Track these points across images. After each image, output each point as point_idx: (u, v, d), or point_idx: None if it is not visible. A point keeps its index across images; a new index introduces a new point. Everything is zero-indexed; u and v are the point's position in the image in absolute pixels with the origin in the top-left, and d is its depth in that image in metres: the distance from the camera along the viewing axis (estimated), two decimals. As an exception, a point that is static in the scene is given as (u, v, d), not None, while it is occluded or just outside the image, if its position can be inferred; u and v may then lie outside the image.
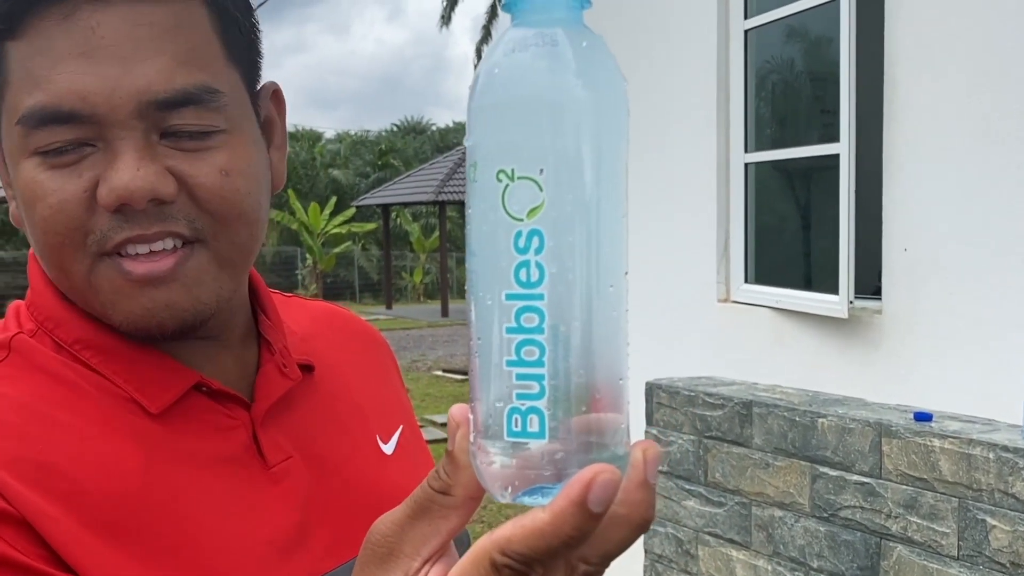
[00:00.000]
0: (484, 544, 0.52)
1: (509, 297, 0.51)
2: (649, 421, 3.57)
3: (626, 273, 0.53)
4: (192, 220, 0.83)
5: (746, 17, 4.45)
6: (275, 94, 0.96)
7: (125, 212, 0.81)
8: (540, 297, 0.50)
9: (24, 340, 0.89)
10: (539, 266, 0.50)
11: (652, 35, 5.02)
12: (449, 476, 0.55)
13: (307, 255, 28.01)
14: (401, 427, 1.08)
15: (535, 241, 0.50)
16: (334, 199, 28.60)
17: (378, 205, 26.82)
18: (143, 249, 0.82)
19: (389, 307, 25.84)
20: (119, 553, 0.80)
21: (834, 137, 3.86)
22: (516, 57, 0.52)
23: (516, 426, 0.51)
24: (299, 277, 28.66)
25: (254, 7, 0.92)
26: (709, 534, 3.34)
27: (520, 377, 0.51)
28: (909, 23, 3.53)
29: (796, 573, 3.01)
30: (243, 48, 0.89)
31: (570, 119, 0.51)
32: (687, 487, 3.41)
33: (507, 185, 0.51)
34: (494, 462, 0.52)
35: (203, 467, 0.87)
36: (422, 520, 0.56)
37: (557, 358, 0.51)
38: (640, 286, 5.00)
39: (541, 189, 0.50)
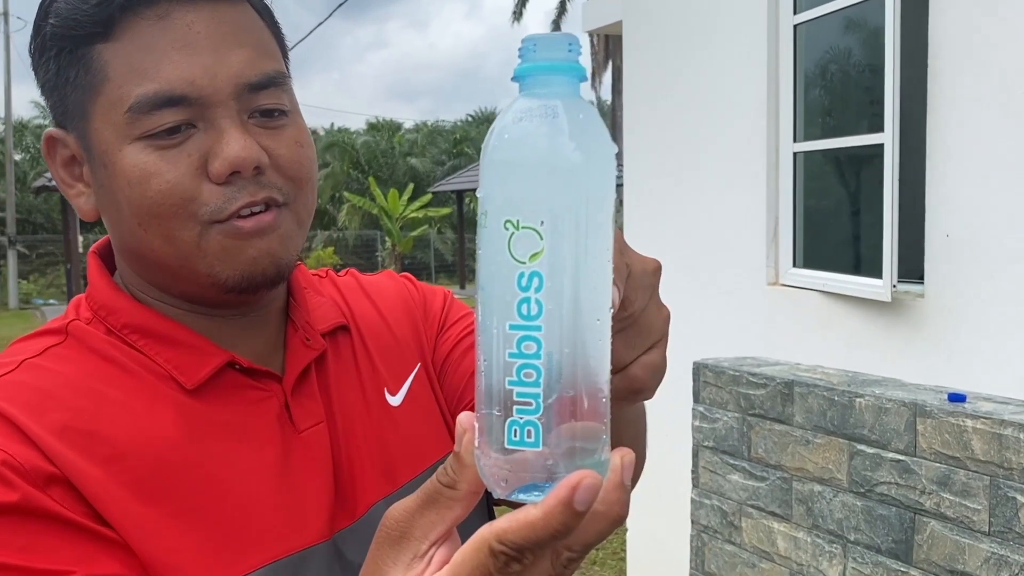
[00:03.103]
0: (484, 533, 0.57)
1: (512, 327, 0.56)
2: (696, 399, 3.57)
3: (611, 308, 0.59)
4: (279, 187, 0.92)
5: (795, 12, 4.39)
6: None
7: (233, 182, 0.89)
8: (538, 328, 0.56)
9: (79, 326, 0.96)
10: (538, 302, 0.56)
11: (705, 31, 4.97)
12: (455, 473, 0.60)
13: (387, 238, 28.21)
14: (417, 367, 1.12)
15: (535, 281, 0.56)
16: (412, 185, 28.75)
17: (453, 191, 26.96)
18: (247, 212, 0.90)
19: (463, 287, 25.97)
20: (153, 510, 0.86)
21: (879, 127, 3.80)
22: (523, 125, 0.58)
23: (515, 436, 0.57)
24: (379, 259, 28.91)
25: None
26: (752, 507, 3.33)
27: (520, 395, 0.56)
28: (952, 13, 3.45)
29: (834, 545, 2.99)
30: (283, 43, 0.99)
31: (567, 180, 0.57)
32: (731, 462, 3.40)
33: (512, 233, 0.56)
34: (496, 465, 0.58)
35: (234, 435, 0.93)
36: (430, 509, 0.61)
37: (551, 380, 0.56)
38: (693, 270, 4.99)
39: (542, 238, 0.56)
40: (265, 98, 0.91)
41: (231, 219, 0.89)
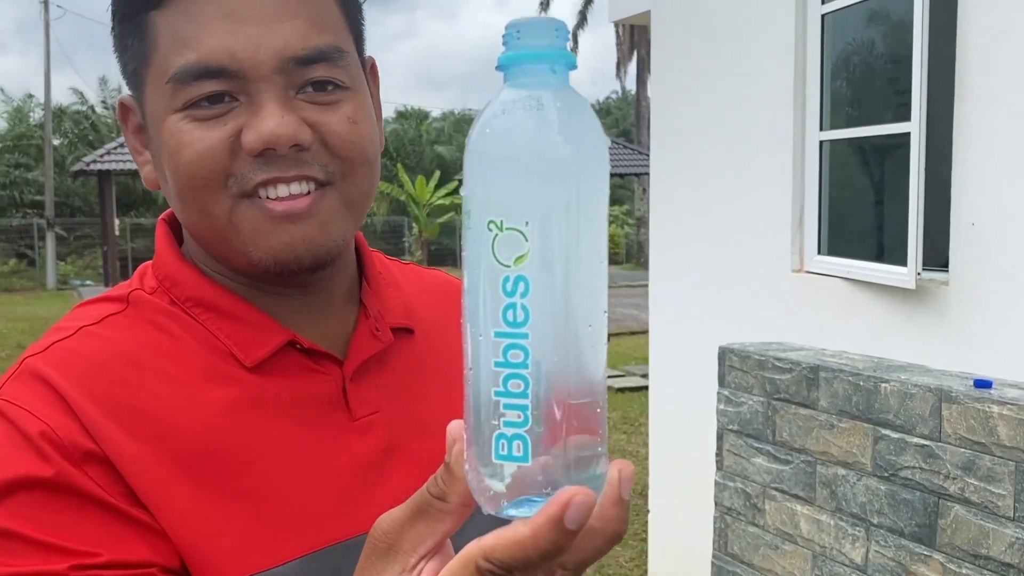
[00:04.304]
0: (471, 550, 0.53)
1: (497, 335, 0.52)
2: (721, 383, 3.54)
3: (605, 312, 0.54)
4: (325, 165, 0.86)
5: (823, 2, 4.33)
6: (372, 68, 0.97)
7: (267, 156, 0.83)
8: (525, 336, 0.52)
9: (141, 295, 0.92)
10: (524, 308, 0.52)
11: (733, 20, 4.92)
12: (446, 485, 0.57)
13: (414, 224, 28.20)
14: None
15: (521, 286, 0.52)
16: (438, 173, 28.67)
17: (479, 178, 26.78)
18: (283, 191, 0.85)
19: (488, 273, 25.89)
20: (193, 491, 0.82)
21: (905, 116, 3.75)
22: (506, 118, 0.53)
23: (503, 450, 0.52)
24: (406, 244, 28.92)
25: None
26: (776, 489, 3.30)
27: (507, 407, 0.52)
28: (982, 4, 3.40)
29: (857, 528, 2.96)
30: (357, 18, 0.92)
31: (554, 177, 0.52)
32: (756, 445, 3.38)
33: (496, 235, 0.52)
34: (483, 479, 0.54)
35: (288, 417, 0.89)
36: (420, 521, 0.58)
37: (540, 390, 0.52)
38: (718, 256, 4.95)
39: (527, 239, 0.51)
40: (316, 72, 0.84)
41: (259, 196, 0.84)
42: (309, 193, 0.85)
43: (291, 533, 0.84)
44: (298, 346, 0.91)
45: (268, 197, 0.84)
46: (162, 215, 0.98)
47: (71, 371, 0.83)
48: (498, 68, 0.54)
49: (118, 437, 0.80)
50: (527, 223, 0.51)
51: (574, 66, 0.54)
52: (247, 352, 0.89)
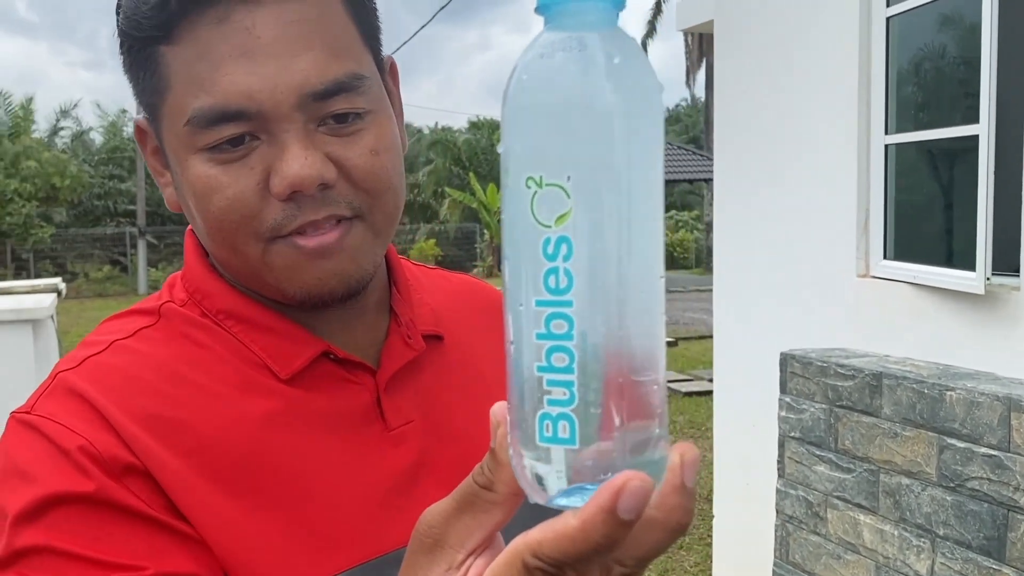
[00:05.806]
0: (517, 545, 0.48)
1: (539, 303, 0.46)
2: (783, 390, 3.43)
3: (661, 277, 0.47)
4: (350, 201, 0.82)
5: (888, 5, 4.18)
6: (392, 67, 0.92)
7: (296, 199, 0.80)
8: (569, 304, 0.45)
9: (172, 308, 0.89)
10: (567, 273, 0.45)
11: (796, 24, 4.79)
12: (492, 473, 0.51)
13: (485, 231, 28.29)
14: None
15: (563, 248, 0.45)
16: (510, 181, 28.73)
17: (549, 186, 26.74)
18: (311, 227, 0.81)
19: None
20: (234, 503, 0.79)
21: (973, 119, 3.59)
22: (545, 62, 0.46)
23: (548, 431, 0.46)
24: (478, 250, 29.02)
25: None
26: (838, 498, 3.17)
27: (551, 383, 0.46)
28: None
29: (922, 539, 2.82)
30: (372, 28, 0.87)
31: (598, 125, 0.45)
32: (818, 453, 3.25)
33: (535, 192, 0.46)
34: (528, 465, 0.47)
35: (325, 428, 0.85)
36: (467, 513, 0.52)
37: (587, 364, 0.45)
38: (782, 261, 4.81)
39: (568, 196, 0.45)
40: (336, 104, 0.80)
41: (291, 235, 0.81)
42: (338, 223, 0.82)
43: (331, 548, 0.82)
44: (332, 356, 0.88)
45: (300, 233, 0.82)
46: (190, 226, 0.96)
47: (106, 385, 0.81)
48: (538, 11, 0.48)
49: (157, 450, 0.78)
50: (568, 178, 0.45)
51: (623, 5, 0.48)
52: (282, 364, 0.86)
